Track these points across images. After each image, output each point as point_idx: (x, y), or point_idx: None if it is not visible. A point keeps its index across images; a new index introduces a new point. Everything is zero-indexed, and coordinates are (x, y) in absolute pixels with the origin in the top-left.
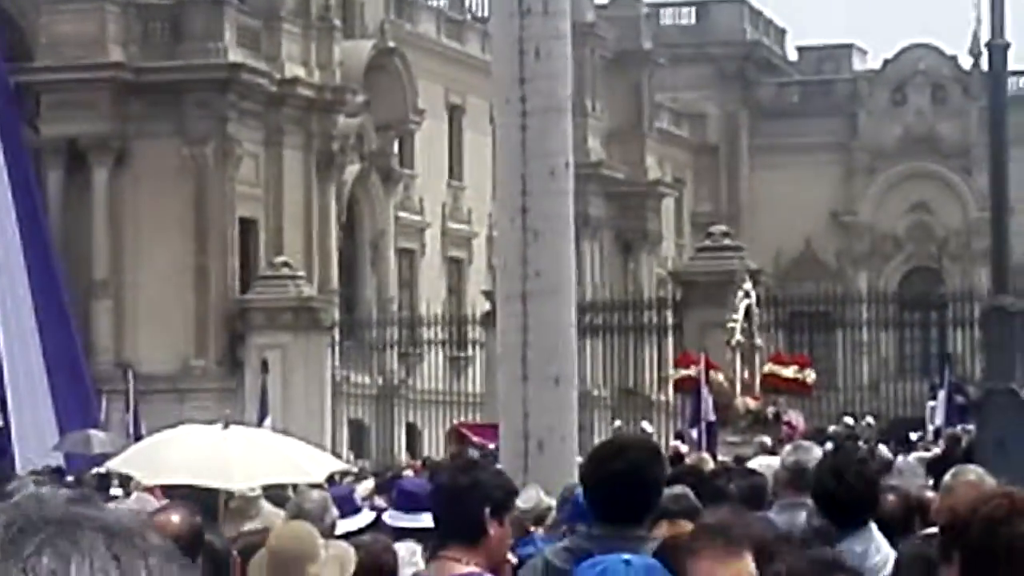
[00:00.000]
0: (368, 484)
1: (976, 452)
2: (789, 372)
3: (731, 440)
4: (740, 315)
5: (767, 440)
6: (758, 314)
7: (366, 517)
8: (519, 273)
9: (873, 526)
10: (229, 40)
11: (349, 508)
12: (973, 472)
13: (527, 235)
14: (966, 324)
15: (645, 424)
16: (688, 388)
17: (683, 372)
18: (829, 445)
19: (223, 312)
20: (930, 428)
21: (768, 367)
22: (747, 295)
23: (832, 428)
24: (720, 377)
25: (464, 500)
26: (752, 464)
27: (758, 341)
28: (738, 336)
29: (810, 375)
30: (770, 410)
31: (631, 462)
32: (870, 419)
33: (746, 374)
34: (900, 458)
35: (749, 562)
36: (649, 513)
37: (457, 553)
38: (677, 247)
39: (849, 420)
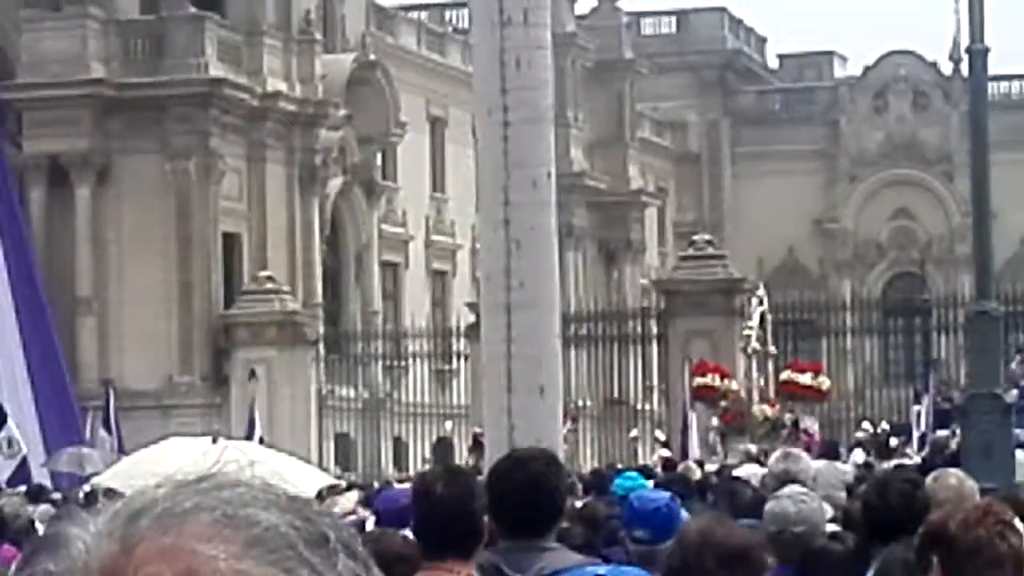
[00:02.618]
0: (352, 496)
1: (961, 457)
2: (806, 379)
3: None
4: (755, 322)
5: (752, 448)
6: (768, 322)
7: None
8: (502, 284)
9: None
10: (210, 55)
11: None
12: (954, 476)
13: (510, 246)
14: (950, 329)
15: (659, 433)
16: (706, 396)
17: (700, 380)
18: (858, 452)
19: (207, 328)
20: (915, 434)
21: (786, 374)
22: (760, 302)
23: (858, 435)
24: (734, 385)
25: (462, 512)
26: (737, 473)
27: (772, 348)
28: (754, 343)
29: (824, 382)
30: (788, 417)
31: (531, 474)
32: (885, 425)
33: (761, 381)
34: (881, 465)
35: None
36: (555, 524)
37: (452, 564)
38: (660, 256)
39: (867, 426)
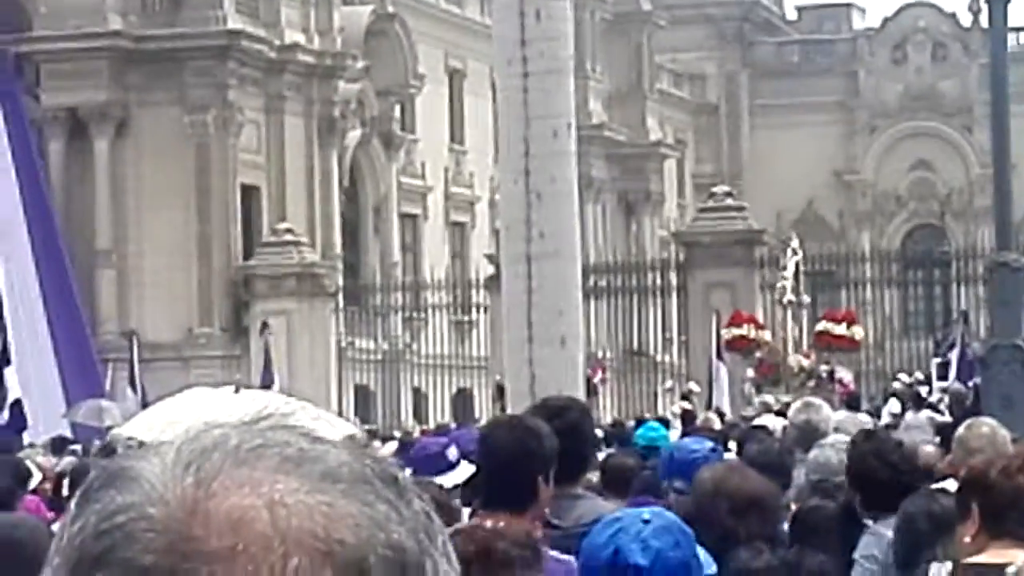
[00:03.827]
0: (391, 446)
1: (982, 407)
2: (841, 329)
3: (785, 400)
4: (790, 273)
5: (770, 399)
6: (800, 273)
7: (465, 471)
8: (523, 235)
9: None
10: (228, 7)
11: (445, 464)
12: (987, 424)
13: (530, 197)
14: (970, 281)
15: (692, 384)
16: (741, 347)
17: (735, 331)
18: (894, 402)
19: (227, 279)
20: (937, 386)
21: (822, 324)
22: (795, 252)
23: (895, 385)
24: (766, 335)
25: (520, 466)
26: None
27: (805, 298)
28: (789, 294)
29: (858, 332)
30: (823, 368)
31: (567, 423)
32: (919, 375)
33: (795, 332)
34: (910, 414)
35: None
36: (585, 472)
37: (503, 516)
38: (679, 208)
39: (905, 377)
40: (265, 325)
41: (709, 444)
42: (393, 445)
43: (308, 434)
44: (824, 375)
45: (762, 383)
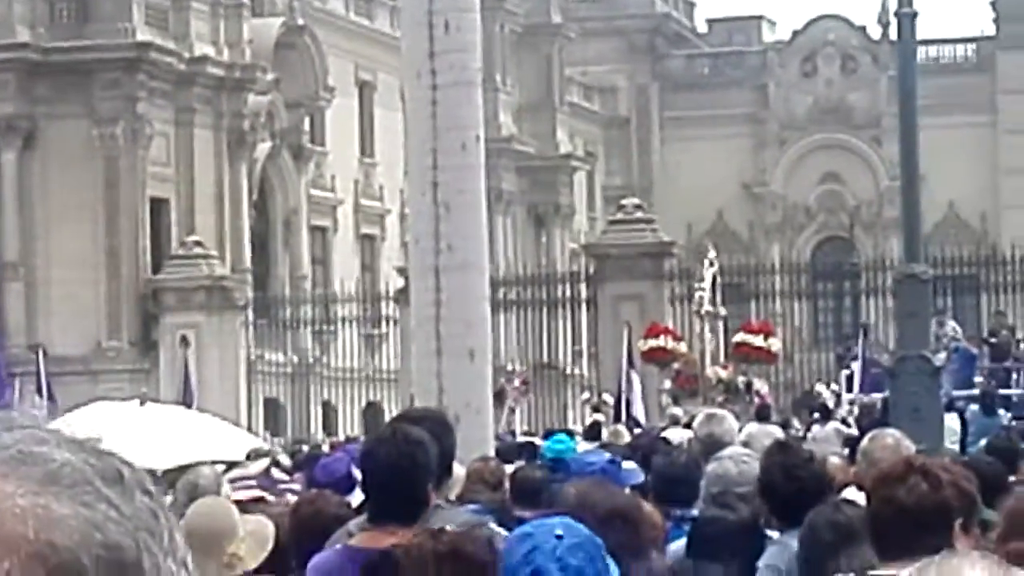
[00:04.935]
0: (261, 463)
1: (890, 419)
2: (759, 340)
3: (694, 412)
4: (708, 284)
5: (679, 412)
6: (717, 284)
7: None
8: (431, 247)
9: None
10: (137, 19)
11: (351, 483)
12: (891, 436)
13: (439, 209)
14: (879, 293)
15: (607, 396)
16: (657, 359)
17: (652, 343)
18: (816, 415)
19: (135, 293)
20: (845, 398)
21: (740, 336)
22: (711, 264)
23: (823, 397)
24: (682, 347)
25: (407, 479)
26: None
27: (722, 310)
28: (707, 305)
29: (775, 344)
30: (741, 380)
31: (426, 432)
32: (835, 386)
33: (712, 343)
34: (817, 427)
35: None
36: (442, 482)
37: (393, 527)
38: (589, 221)
39: (821, 387)
40: (184, 340)
41: (607, 456)
42: (263, 463)
43: (37, 434)
44: (742, 387)
45: (679, 395)
